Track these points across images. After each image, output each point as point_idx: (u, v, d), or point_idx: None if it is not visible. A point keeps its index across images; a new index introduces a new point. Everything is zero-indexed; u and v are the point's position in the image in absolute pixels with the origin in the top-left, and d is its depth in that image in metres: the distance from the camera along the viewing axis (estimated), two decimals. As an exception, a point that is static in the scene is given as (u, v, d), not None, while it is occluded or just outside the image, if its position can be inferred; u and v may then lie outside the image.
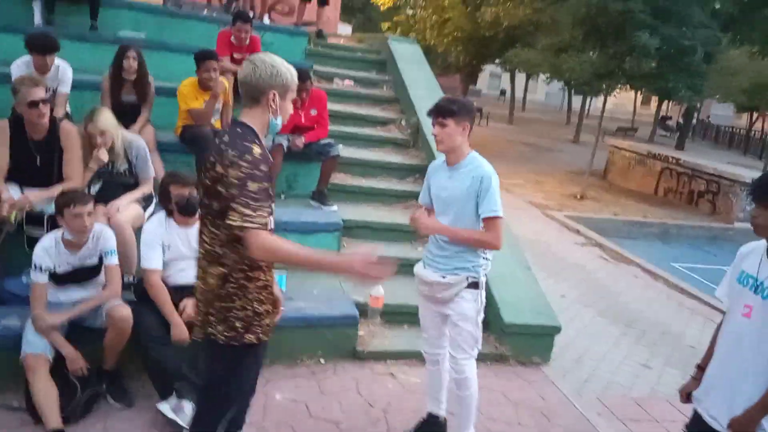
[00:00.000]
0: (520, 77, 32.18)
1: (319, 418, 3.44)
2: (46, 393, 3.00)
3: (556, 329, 4.47)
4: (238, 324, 2.13)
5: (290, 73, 2.17)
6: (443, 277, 3.00)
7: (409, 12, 24.11)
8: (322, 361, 4.03)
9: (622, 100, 36.42)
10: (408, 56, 8.07)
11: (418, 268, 3.17)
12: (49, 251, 3.16)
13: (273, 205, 2.14)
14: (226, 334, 2.13)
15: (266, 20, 8.74)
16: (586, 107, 27.66)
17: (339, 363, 4.04)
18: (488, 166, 2.94)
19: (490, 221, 2.91)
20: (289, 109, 2.22)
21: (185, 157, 5.01)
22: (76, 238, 3.19)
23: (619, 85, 14.90)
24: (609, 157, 16.72)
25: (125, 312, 3.19)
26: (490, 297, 4.53)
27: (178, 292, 3.46)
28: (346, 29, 19.16)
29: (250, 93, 2.12)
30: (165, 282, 3.47)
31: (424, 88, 7.26)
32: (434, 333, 3.23)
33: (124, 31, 6.93)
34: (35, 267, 3.13)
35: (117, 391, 3.34)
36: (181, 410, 3.12)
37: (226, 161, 1.99)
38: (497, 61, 24.96)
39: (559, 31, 14.95)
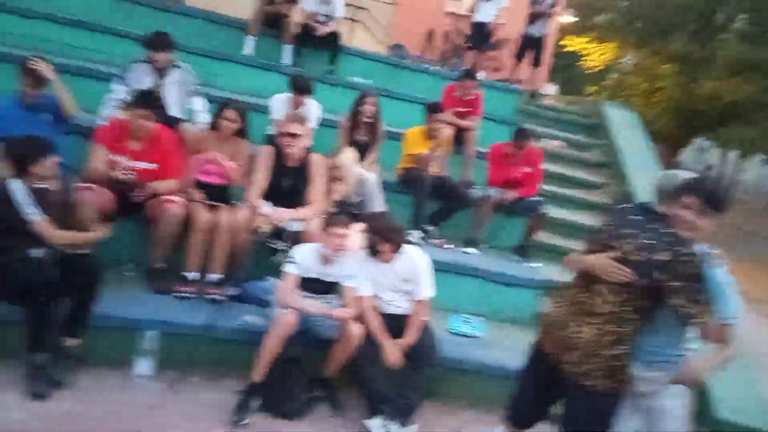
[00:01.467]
0: (732, 153, 29.65)
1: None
2: (271, 349, 3.41)
3: (773, 434, 4.05)
4: (619, 376, 2.50)
5: None
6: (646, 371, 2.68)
7: (614, 76, 23.51)
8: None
9: None
10: (623, 122, 7.94)
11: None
12: (305, 254, 3.63)
13: None
14: (610, 385, 2.51)
15: (481, 75, 9.13)
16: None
17: (531, 420, 4.01)
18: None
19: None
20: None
21: (402, 197, 5.36)
22: (330, 254, 3.60)
23: None
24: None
25: (358, 331, 3.50)
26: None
27: (390, 320, 3.73)
28: (552, 89, 19.19)
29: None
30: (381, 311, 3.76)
31: (639, 157, 7.08)
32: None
33: (355, 78, 7.67)
34: (291, 259, 3.62)
35: (331, 399, 3.65)
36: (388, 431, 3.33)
37: (678, 257, 2.34)
38: (707, 135, 23.35)
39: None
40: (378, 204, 4.63)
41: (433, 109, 5.35)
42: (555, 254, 5.68)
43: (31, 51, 4.59)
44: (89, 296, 3.37)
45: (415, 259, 3.76)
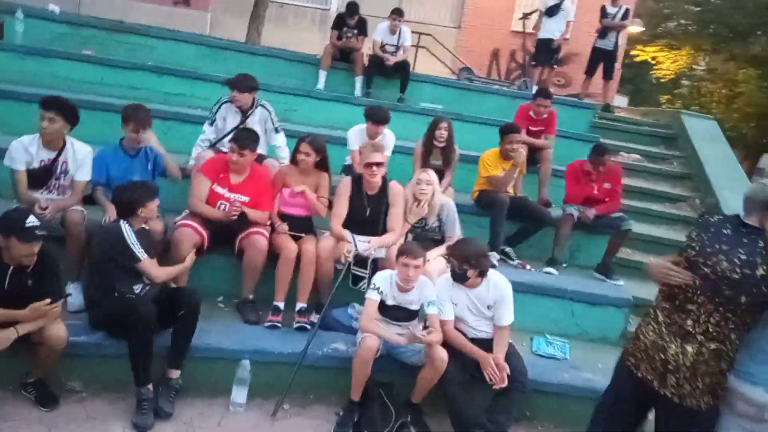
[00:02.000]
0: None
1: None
2: (359, 372, 3.56)
3: None
4: (719, 392, 2.48)
5: None
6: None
7: (686, 83, 22.68)
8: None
9: None
10: (703, 132, 7.68)
11: (741, 386, 2.54)
12: (383, 281, 3.72)
13: None
14: (711, 402, 2.49)
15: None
16: None
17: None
18: None
19: None
20: None
21: (478, 220, 5.38)
22: (402, 284, 3.68)
23: None
24: None
25: (444, 354, 3.54)
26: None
27: (475, 345, 3.74)
28: (622, 101, 18.72)
29: None
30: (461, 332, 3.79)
31: (722, 167, 6.82)
32: None
33: (425, 103, 7.79)
34: (373, 286, 3.72)
35: (418, 424, 3.69)
36: (478, 456, 3.33)
37: None
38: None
39: None
40: (457, 228, 4.66)
41: (508, 130, 5.37)
42: (638, 271, 5.54)
43: (132, 100, 4.91)
44: (190, 328, 3.57)
45: (500, 285, 3.76)
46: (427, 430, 3.68)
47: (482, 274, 3.70)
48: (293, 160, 4.51)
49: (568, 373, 4.14)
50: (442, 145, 5.46)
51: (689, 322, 2.49)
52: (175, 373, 3.55)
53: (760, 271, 2.35)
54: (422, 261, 3.66)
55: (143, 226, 3.65)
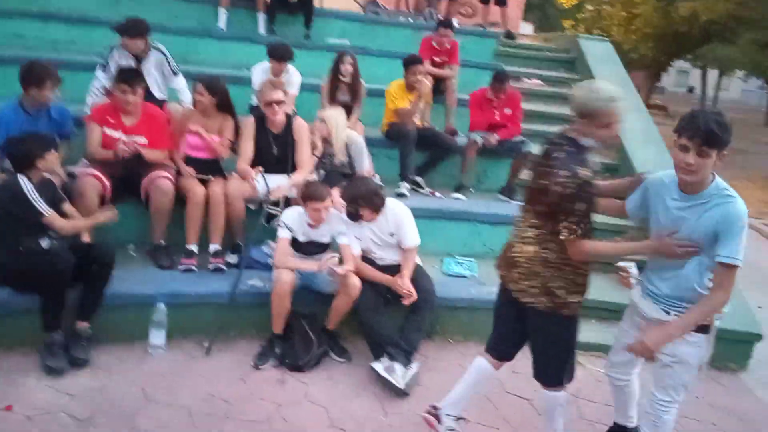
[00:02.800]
0: (712, 74, 29.67)
1: (513, 394, 3.70)
2: (278, 305, 3.70)
3: (757, 336, 4.32)
4: (555, 298, 2.63)
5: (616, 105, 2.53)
6: (667, 313, 2.58)
7: (590, 8, 23.29)
8: (512, 344, 4.27)
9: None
10: (599, 54, 8.00)
11: (635, 296, 2.83)
12: (294, 219, 3.82)
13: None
14: (550, 304, 2.64)
15: (455, 23, 9.11)
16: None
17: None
18: (740, 201, 2.43)
19: (726, 269, 2.38)
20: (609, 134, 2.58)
21: (389, 152, 5.49)
22: (315, 223, 3.78)
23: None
24: (821, 162, 14.91)
25: (357, 282, 3.70)
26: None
27: (384, 272, 3.93)
28: (527, 28, 19.05)
29: (586, 114, 2.52)
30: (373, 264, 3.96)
31: (617, 87, 7.16)
32: (626, 360, 2.95)
33: (331, 39, 7.69)
34: (283, 225, 3.81)
35: (337, 349, 3.88)
36: (393, 371, 3.55)
37: (556, 179, 2.45)
38: (688, 57, 23.29)
39: (765, 26, 13.63)
40: (366, 162, 4.77)
41: (411, 61, 5.43)
42: (541, 191, 5.86)
43: (18, 49, 4.61)
44: (102, 283, 3.57)
45: (396, 211, 3.93)
46: (347, 354, 3.88)
47: (376, 209, 3.85)
48: (194, 103, 4.44)
49: (476, 289, 4.42)
50: (347, 80, 5.48)
51: (524, 225, 2.71)
52: (84, 324, 3.54)
53: (548, 180, 2.50)
54: (329, 200, 3.76)
55: (46, 176, 3.53)
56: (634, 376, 3.06)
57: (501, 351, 3.02)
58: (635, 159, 6.01)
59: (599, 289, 4.73)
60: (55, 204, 3.49)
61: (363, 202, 3.78)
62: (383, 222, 3.90)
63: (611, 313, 4.63)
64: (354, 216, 3.87)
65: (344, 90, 5.52)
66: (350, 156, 4.73)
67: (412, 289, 3.79)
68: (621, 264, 4.96)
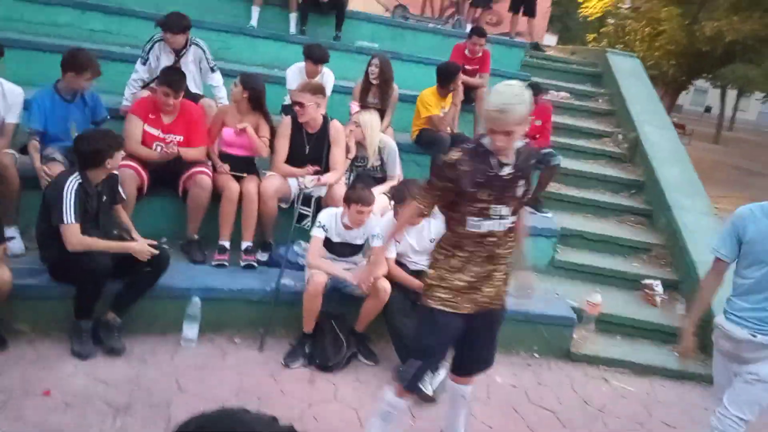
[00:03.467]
0: (730, 94, 29.56)
1: (538, 405, 3.73)
2: (309, 306, 3.74)
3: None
4: (426, 291, 2.74)
5: None
6: (754, 336, 2.70)
7: (611, 21, 23.28)
8: (536, 355, 4.30)
9: None
10: (627, 70, 8.01)
11: (721, 320, 2.85)
12: (328, 219, 3.84)
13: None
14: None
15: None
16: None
17: (552, 360, 4.28)
18: None
19: None
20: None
21: (417, 157, 5.53)
22: (354, 226, 3.82)
23: None
24: (838, 188, 14.84)
25: (387, 286, 3.73)
26: (709, 317, 4.49)
27: (416, 275, 3.95)
28: (552, 39, 19.07)
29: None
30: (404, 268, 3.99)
31: (644, 103, 7.20)
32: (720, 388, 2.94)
33: (361, 41, 7.74)
34: (318, 224, 3.83)
35: (365, 351, 3.91)
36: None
37: None
38: (708, 76, 23.21)
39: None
40: (397, 166, 4.80)
41: (454, 72, 5.45)
42: (565, 203, 5.89)
43: (55, 38, 4.67)
44: (148, 285, 3.63)
45: (441, 220, 3.95)
46: (375, 357, 3.91)
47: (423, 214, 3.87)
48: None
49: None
50: (375, 81, 5.50)
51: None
52: (111, 314, 3.56)
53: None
54: (373, 206, 3.80)
55: (114, 172, 3.60)
56: None
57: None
58: (661, 177, 6.02)
59: (623, 304, 4.78)
60: (114, 201, 3.58)
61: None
62: (426, 227, 3.93)
63: (635, 330, 4.66)
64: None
65: (375, 93, 5.55)
66: (382, 160, 4.76)
67: None
68: (646, 281, 4.99)
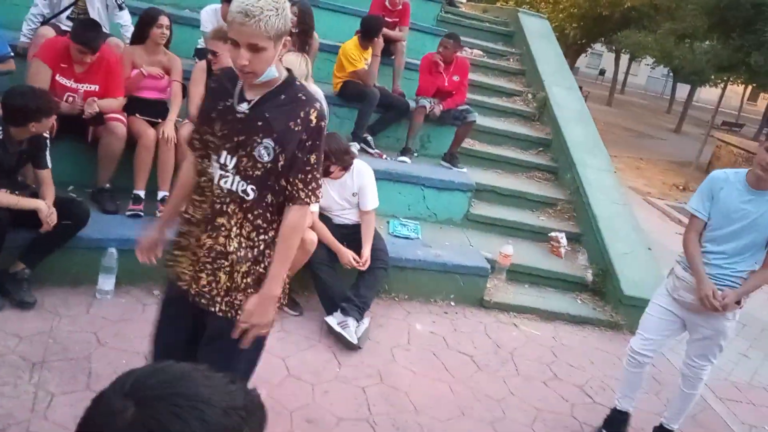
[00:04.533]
0: (624, 59, 31.25)
1: (456, 350, 3.92)
2: None
3: None
4: None
5: None
6: (720, 290, 2.88)
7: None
8: (452, 303, 4.50)
9: (728, 94, 34.72)
10: (536, 31, 8.26)
11: (683, 273, 3.03)
12: None
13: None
14: None
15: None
16: (692, 98, 26.62)
17: (467, 308, 4.50)
18: None
19: None
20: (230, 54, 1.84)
21: (338, 110, 5.50)
22: None
23: (737, 78, 14.41)
24: (715, 151, 16.26)
25: (314, 237, 3.74)
26: (611, 269, 4.88)
27: (341, 229, 4.02)
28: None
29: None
30: (329, 219, 4.02)
31: (552, 64, 7.48)
32: (658, 338, 3.15)
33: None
34: None
35: (290, 302, 3.92)
36: (346, 326, 3.66)
37: None
38: (605, 40, 24.36)
39: (681, 17, 14.52)
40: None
41: (378, 28, 5.40)
42: (479, 159, 6.09)
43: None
44: (64, 240, 3.43)
45: (363, 172, 4.00)
46: (299, 308, 3.94)
47: (345, 168, 3.89)
48: (143, 39, 4.25)
49: (421, 250, 4.58)
50: (294, 30, 5.35)
51: None
52: (21, 266, 3.36)
53: None
54: None
55: (45, 135, 3.35)
56: (650, 362, 3.23)
57: None
58: (567, 135, 6.33)
59: (531, 255, 5.08)
60: (37, 165, 3.35)
61: (334, 159, 3.79)
62: (348, 181, 3.95)
63: (542, 279, 4.97)
64: (327, 172, 3.86)
65: (293, 42, 5.39)
66: None
67: (368, 261, 3.88)
68: (552, 234, 5.31)
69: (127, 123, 4.00)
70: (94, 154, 4.04)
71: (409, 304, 4.35)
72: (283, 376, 3.27)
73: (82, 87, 3.90)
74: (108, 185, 4.06)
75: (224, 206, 1.93)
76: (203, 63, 4.34)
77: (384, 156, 5.47)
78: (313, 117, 1.88)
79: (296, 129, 1.86)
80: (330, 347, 3.63)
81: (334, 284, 3.86)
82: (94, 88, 3.92)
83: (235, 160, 1.88)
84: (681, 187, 12.72)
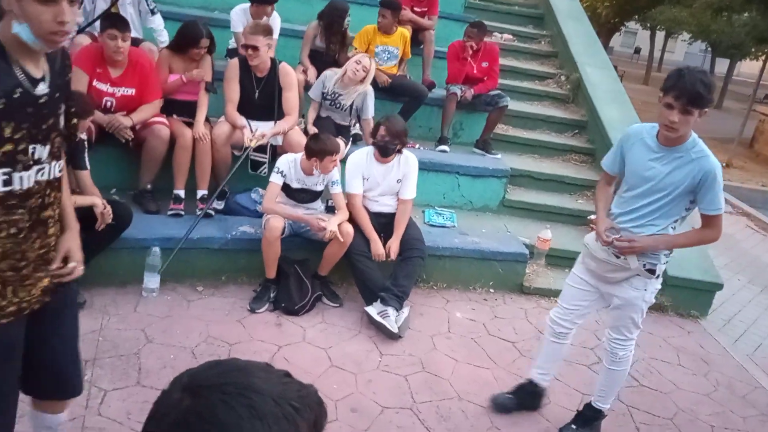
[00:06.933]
0: (659, 36, 30.45)
1: (497, 336, 3.91)
2: (268, 251, 3.76)
3: (719, 286, 4.66)
4: None
5: None
6: (617, 257, 2.69)
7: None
8: (491, 290, 4.48)
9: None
10: (567, 11, 8.10)
11: (589, 240, 2.85)
12: (287, 165, 3.81)
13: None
14: None
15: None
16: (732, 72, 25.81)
17: (507, 294, 4.47)
18: (713, 157, 2.56)
19: (716, 218, 2.60)
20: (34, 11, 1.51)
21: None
22: (324, 174, 3.85)
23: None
24: (758, 125, 15.74)
25: (350, 229, 3.78)
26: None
27: (377, 217, 4.04)
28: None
29: None
30: (365, 207, 4.04)
31: (584, 44, 7.33)
32: (574, 309, 2.97)
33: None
34: (276, 170, 3.80)
35: (329, 294, 3.97)
36: (386, 315, 3.68)
37: None
38: (639, 17, 23.77)
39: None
40: (371, 111, 4.81)
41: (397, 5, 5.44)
42: (512, 144, 6.03)
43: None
44: (109, 242, 3.54)
45: (409, 160, 4.05)
46: (339, 300, 3.98)
47: (400, 150, 3.98)
48: (180, 48, 4.33)
49: (458, 238, 4.56)
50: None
51: None
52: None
53: None
54: (336, 155, 3.80)
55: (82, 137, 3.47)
56: (571, 334, 3.07)
57: None
58: (602, 116, 6.19)
59: (571, 239, 5.01)
60: (75, 166, 3.46)
61: (402, 139, 3.93)
62: (395, 166, 3.99)
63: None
64: (388, 151, 3.93)
65: (329, 38, 5.41)
66: (353, 105, 4.77)
67: (392, 253, 3.93)
68: (591, 217, 5.20)
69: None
70: (134, 158, 4.15)
71: (447, 293, 4.35)
72: (326, 366, 3.31)
73: (119, 91, 3.99)
74: (149, 186, 4.16)
75: (45, 198, 1.74)
76: (236, 60, 4.41)
77: (417, 145, 5.46)
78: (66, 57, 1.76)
79: (68, 78, 1.77)
80: (371, 337, 3.66)
81: (373, 274, 3.88)
82: (131, 91, 4.01)
83: (48, 146, 1.70)
84: (724, 165, 12.35)
